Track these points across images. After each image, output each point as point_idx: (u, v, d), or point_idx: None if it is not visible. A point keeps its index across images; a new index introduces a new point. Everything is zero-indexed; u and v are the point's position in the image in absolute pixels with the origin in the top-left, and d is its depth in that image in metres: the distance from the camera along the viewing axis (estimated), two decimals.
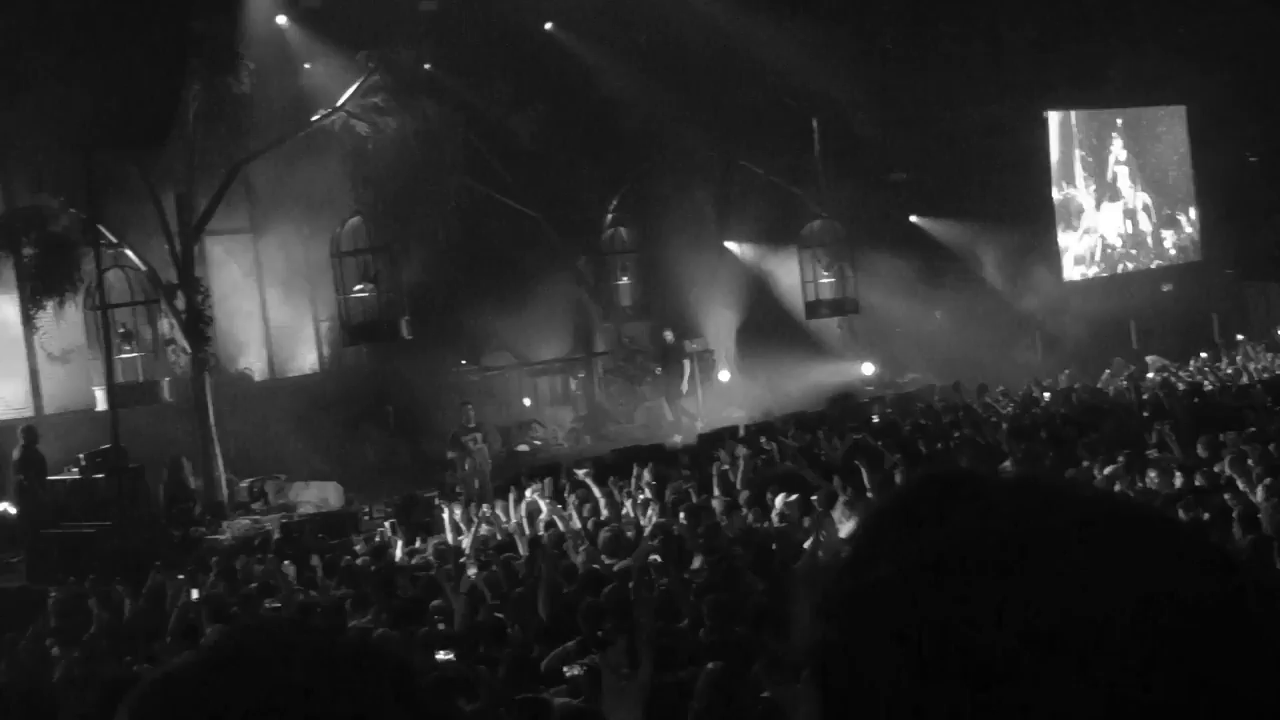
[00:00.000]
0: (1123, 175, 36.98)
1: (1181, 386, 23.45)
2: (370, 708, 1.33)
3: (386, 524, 19.58)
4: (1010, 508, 1.05)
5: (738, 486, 17.90)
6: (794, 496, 16.18)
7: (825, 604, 1.08)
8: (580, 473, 19.56)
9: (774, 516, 15.95)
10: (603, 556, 14.71)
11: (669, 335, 29.08)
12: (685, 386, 28.91)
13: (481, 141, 28.74)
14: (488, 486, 21.43)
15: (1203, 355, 27.28)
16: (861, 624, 1.03)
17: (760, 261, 32.74)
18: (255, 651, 1.35)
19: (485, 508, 18.73)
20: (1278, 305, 36.25)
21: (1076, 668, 0.96)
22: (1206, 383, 24.21)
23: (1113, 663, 0.96)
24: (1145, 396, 22.22)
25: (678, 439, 25.93)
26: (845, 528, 14.38)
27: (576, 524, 16.75)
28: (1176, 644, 0.97)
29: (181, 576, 16.80)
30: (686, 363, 28.90)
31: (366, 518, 21.67)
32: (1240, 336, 31.21)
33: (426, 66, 24.76)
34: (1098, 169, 36.17)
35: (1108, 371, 26.81)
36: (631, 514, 17.04)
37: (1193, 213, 38.31)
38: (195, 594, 15.38)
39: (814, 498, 15.97)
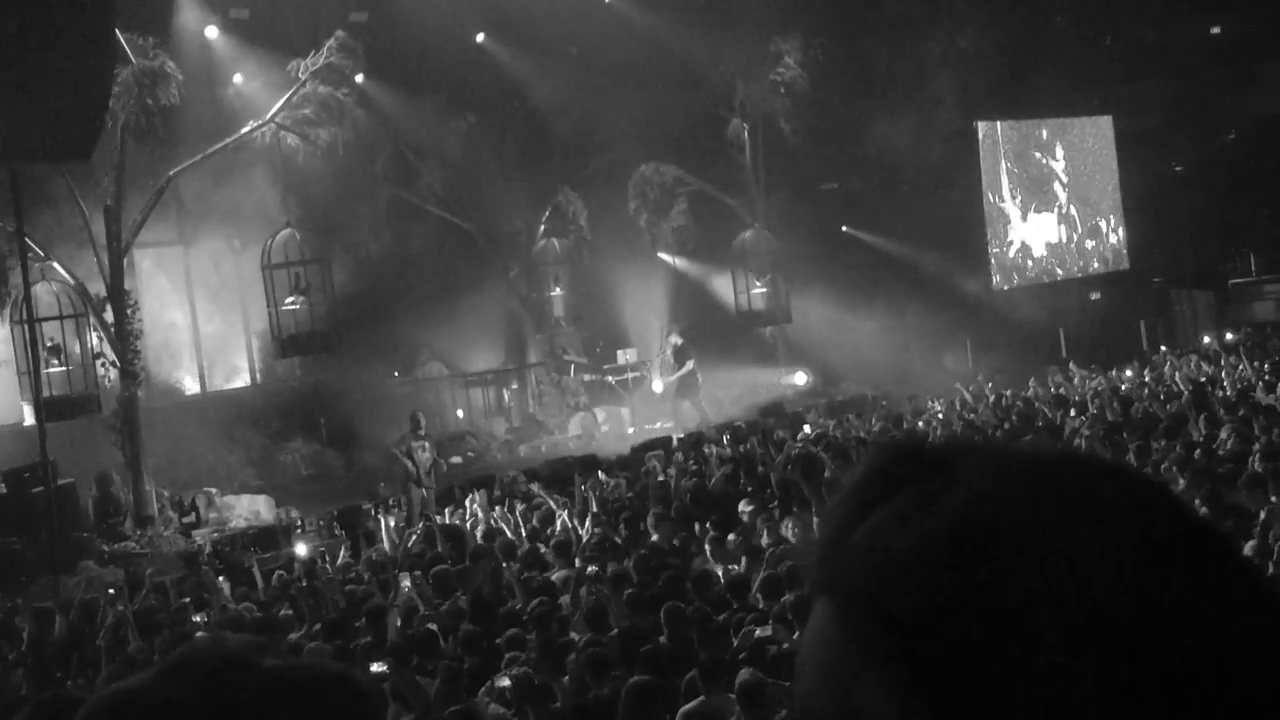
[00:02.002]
0: (1051, 186, 37.32)
1: (1107, 393, 23.69)
2: None
3: (330, 539, 19.49)
4: (996, 474, 1.07)
5: (671, 497, 17.92)
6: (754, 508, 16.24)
7: (824, 577, 1.09)
8: (534, 487, 19.55)
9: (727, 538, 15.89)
10: (539, 566, 14.71)
11: (676, 339, 29.20)
12: (700, 379, 29.08)
13: (412, 153, 28.70)
14: (432, 495, 21.33)
15: (1128, 373, 27.54)
16: (859, 605, 1.04)
17: (693, 272, 32.82)
18: (213, 674, 1.34)
19: (436, 516, 18.68)
20: (1204, 314, 36.70)
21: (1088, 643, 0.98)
22: (1129, 389, 24.45)
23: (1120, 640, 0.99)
24: (1074, 402, 22.43)
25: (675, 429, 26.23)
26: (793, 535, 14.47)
27: (519, 533, 16.76)
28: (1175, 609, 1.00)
29: (112, 591, 16.68)
30: (691, 362, 28.98)
31: (299, 530, 21.55)
32: (1164, 348, 31.53)
33: (358, 78, 24.68)
34: (1024, 179, 36.49)
35: (1032, 379, 27.02)
36: (569, 523, 17.04)
37: (1119, 222, 38.70)
38: (121, 609, 15.26)
39: (750, 509, 16.05)
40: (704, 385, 30.39)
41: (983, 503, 1.04)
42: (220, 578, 16.99)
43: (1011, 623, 0.99)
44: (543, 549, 15.57)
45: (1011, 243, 36.14)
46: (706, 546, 14.86)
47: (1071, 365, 27.89)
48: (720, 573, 13.45)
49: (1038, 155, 36.95)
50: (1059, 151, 37.40)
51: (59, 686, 11.84)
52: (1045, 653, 0.98)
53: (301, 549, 17.15)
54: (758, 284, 30.56)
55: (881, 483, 1.10)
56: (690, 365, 28.82)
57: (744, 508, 16.15)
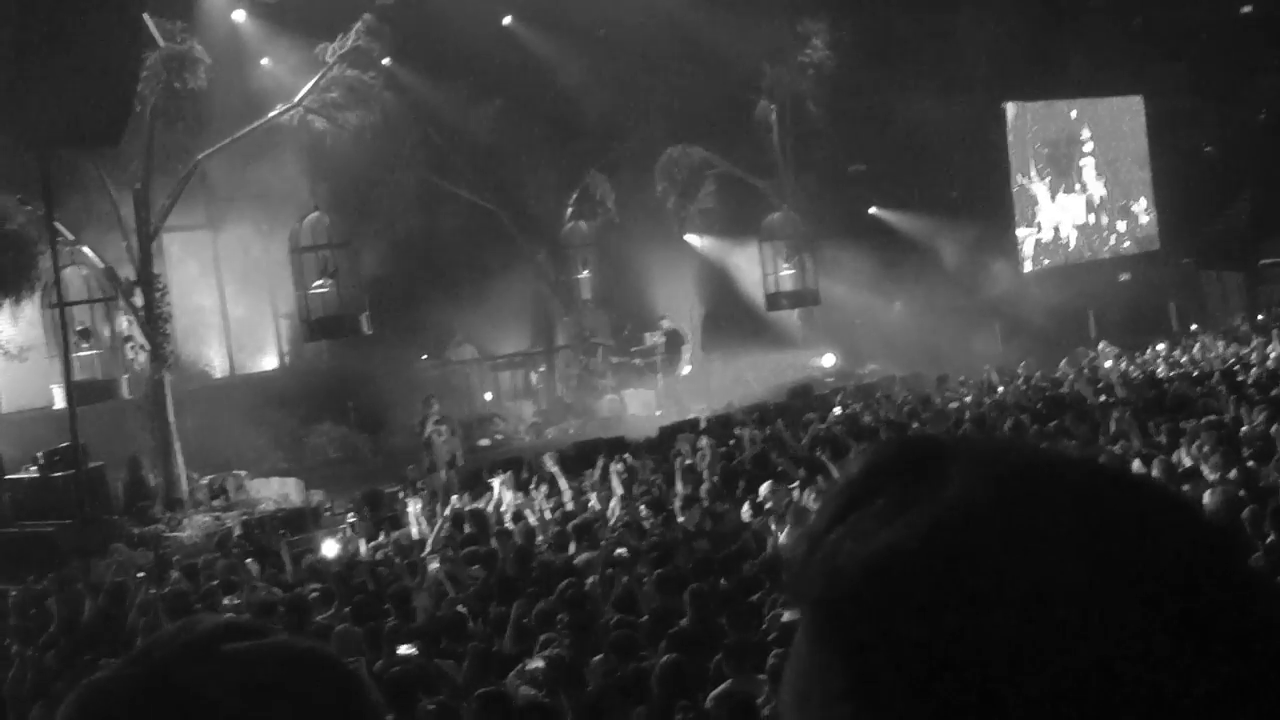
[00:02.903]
0: (1081, 166, 37.16)
1: (1138, 375, 23.60)
2: (316, 712, 1.32)
3: (349, 520, 19.53)
4: (988, 477, 1.02)
5: (705, 477, 17.91)
6: (774, 485, 16.21)
7: (797, 585, 1.05)
8: (549, 464, 19.55)
9: (751, 506, 15.92)
10: (568, 549, 14.73)
11: (666, 323, 29.10)
12: (685, 371, 28.97)
13: (440, 136, 28.70)
14: (454, 480, 21.39)
15: (1160, 347, 27.42)
16: (840, 606, 1.00)
17: (721, 254, 32.77)
18: (168, 666, 1.33)
19: (454, 500, 18.70)
20: (1234, 294, 36.51)
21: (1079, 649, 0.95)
22: (1160, 371, 24.34)
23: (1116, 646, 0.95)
24: (1102, 385, 22.33)
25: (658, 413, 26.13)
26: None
27: (545, 515, 16.76)
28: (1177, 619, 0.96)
29: (142, 574, 16.76)
30: (685, 348, 28.93)
31: (328, 513, 21.61)
32: (1194, 326, 31.40)
33: (385, 61, 24.68)
34: (1054, 160, 36.33)
35: (1065, 361, 26.92)
36: (597, 506, 17.05)
37: (1149, 203, 38.52)
38: (151, 591, 15.33)
39: (793, 485, 16.07)
40: (730, 367, 30.39)
41: (963, 512, 0.99)
42: (249, 560, 17.06)
43: (976, 659, 0.94)
44: (571, 528, 15.58)
45: (1040, 224, 35.99)
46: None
47: (1103, 345, 27.77)
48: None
49: (1067, 136, 36.78)
50: (1088, 132, 37.22)
51: (86, 668, 11.89)
52: (1012, 695, 0.94)
53: (331, 547, 17.16)
54: (786, 266, 30.48)
55: (867, 484, 1.05)
56: (685, 352, 28.68)
57: (764, 491, 16.14)
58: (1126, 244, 38.20)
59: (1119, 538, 0.99)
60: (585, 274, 30.93)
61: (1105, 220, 37.81)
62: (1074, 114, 36.98)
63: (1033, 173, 35.85)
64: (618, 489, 17.24)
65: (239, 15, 25.86)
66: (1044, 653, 0.94)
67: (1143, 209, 38.52)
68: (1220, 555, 1.01)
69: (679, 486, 17.47)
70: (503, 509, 17.38)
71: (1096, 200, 37.55)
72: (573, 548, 14.74)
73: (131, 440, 23.25)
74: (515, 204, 30.26)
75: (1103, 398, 21.03)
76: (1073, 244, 36.85)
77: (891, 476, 1.05)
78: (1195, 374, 22.52)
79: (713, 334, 31.81)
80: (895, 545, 0.99)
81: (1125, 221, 38.20)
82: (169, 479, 22.85)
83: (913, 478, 1.04)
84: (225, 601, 14.69)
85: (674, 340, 28.81)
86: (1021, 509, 1.00)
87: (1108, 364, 25.88)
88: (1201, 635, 0.96)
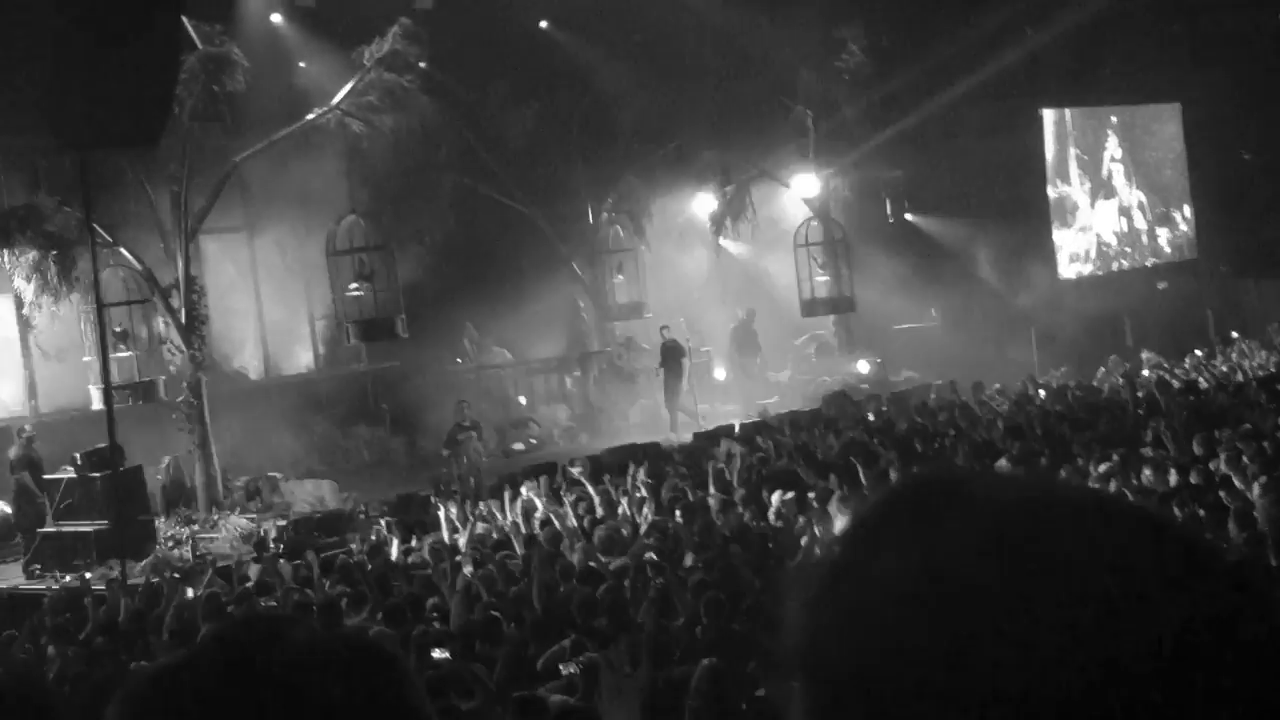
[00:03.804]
0: (1118, 173, 36.99)
1: (1176, 384, 23.48)
2: (359, 703, 1.33)
3: (383, 522, 19.56)
4: (1004, 518, 1.01)
5: (734, 484, 17.89)
6: (790, 494, 16.19)
7: (811, 608, 1.04)
8: (575, 471, 19.55)
9: (770, 515, 15.97)
10: (599, 555, 14.72)
11: (665, 333, 28.86)
12: (686, 385, 28.67)
13: (477, 139, 28.75)
14: (481, 484, 21.43)
15: (1198, 353, 27.28)
16: (848, 633, 1.00)
17: (755, 259, 32.73)
18: (242, 648, 1.35)
19: (481, 505, 18.71)
20: (1272, 303, 36.26)
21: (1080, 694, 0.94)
22: (1201, 380, 24.22)
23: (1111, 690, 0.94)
24: (1140, 394, 22.22)
25: (671, 437, 25.90)
26: (840, 524, 14.39)
27: (573, 522, 16.75)
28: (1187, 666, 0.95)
29: (177, 575, 16.84)
30: (686, 361, 28.74)
31: (362, 516, 21.66)
32: (1235, 334, 31.22)
33: (422, 65, 24.73)
34: (1093, 167, 36.18)
35: (1102, 369, 26.80)
36: (627, 512, 17.04)
37: (1188, 210, 38.32)
38: (190, 593, 15.40)
39: (810, 495, 16.01)
40: (764, 373, 30.35)
41: (935, 572, 0.98)
42: (283, 561, 17.12)
43: None
44: (601, 534, 15.58)
45: (1079, 231, 35.85)
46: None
47: (1146, 354, 27.64)
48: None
49: (1106, 143, 36.63)
50: (1128, 139, 37.05)
51: (122, 668, 11.94)
52: None
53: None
54: (821, 272, 30.42)
55: (865, 543, 1.04)
56: (686, 365, 28.39)
57: (776, 500, 16.13)
58: (1168, 250, 38.02)
59: (1124, 579, 0.97)
60: (619, 278, 30.92)
61: (1143, 228, 37.63)
62: (1114, 120, 36.82)
63: (1073, 179, 35.71)
64: (647, 495, 17.23)
65: (277, 18, 25.95)
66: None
67: (1182, 217, 38.32)
68: (1224, 588, 0.99)
69: (712, 491, 17.48)
70: (535, 515, 17.38)
71: (1133, 208, 37.36)
72: (601, 557, 14.73)
73: (168, 442, 23.35)
74: (550, 208, 30.30)
75: (1140, 410, 20.93)
76: (1111, 251, 36.68)
77: (899, 517, 1.04)
78: (1234, 383, 22.38)
79: (746, 340, 31.75)
80: (857, 608, 0.99)
81: (1164, 228, 38.02)
82: (205, 480, 22.93)
83: (912, 523, 1.03)
84: (262, 604, 14.73)
85: (673, 352, 28.52)
86: (1014, 559, 0.98)
87: (1145, 372, 25.77)
88: (1205, 669, 0.94)
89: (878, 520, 1.05)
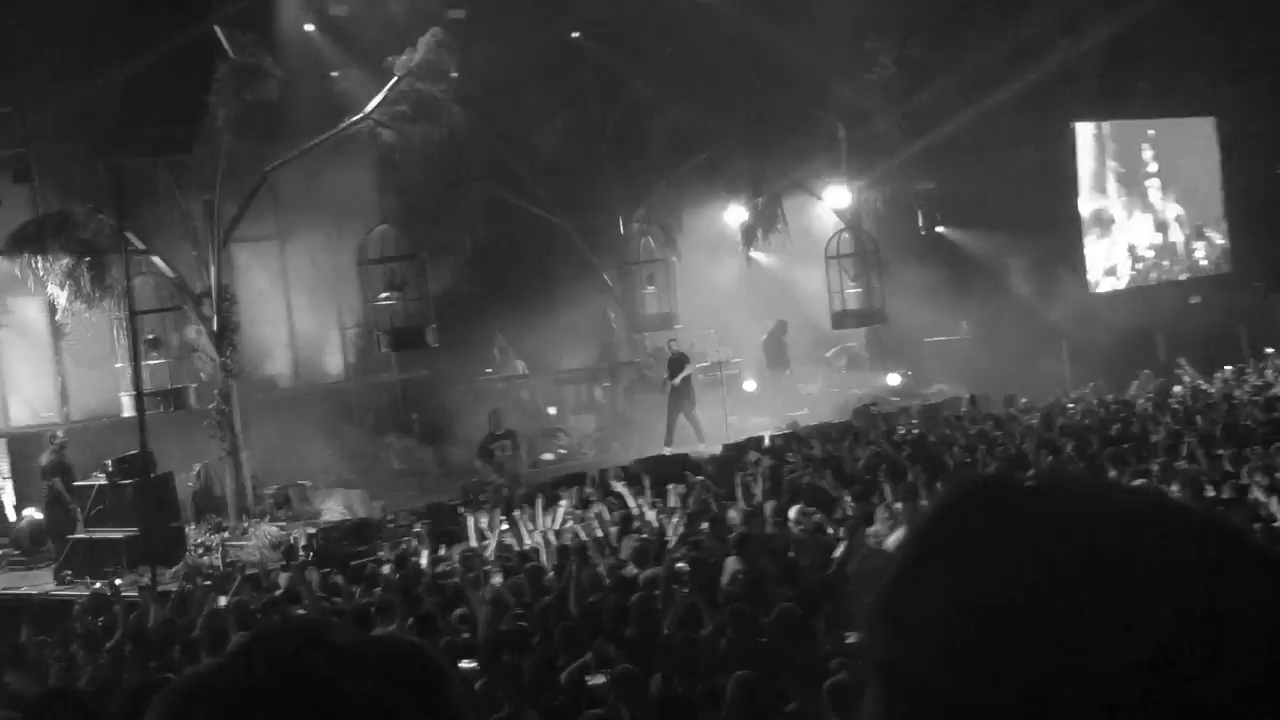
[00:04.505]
0: (1153, 187, 36.85)
1: (1209, 397, 23.38)
2: (403, 706, 1.33)
3: (417, 529, 19.56)
4: (1098, 524, 1.01)
5: (759, 497, 17.85)
6: (808, 508, 16.15)
7: (876, 617, 1.04)
8: (617, 485, 19.49)
9: (792, 527, 15.92)
10: (630, 565, 14.69)
11: (673, 346, 28.52)
12: (692, 400, 28.33)
13: (508, 150, 28.78)
14: (515, 494, 21.40)
15: (1228, 368, 27.12)
16: (916, 641, 1.00)
17: (786, 271, 32.69)
18: (285, 651, 1.34)
19: (516, 513, 18.70)
20: None
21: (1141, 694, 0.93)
22: (1235, 394, 24.10)
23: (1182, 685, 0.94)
24: (1175, 407, 22.11)
25: (701, 448, 25.81)
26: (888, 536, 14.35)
27: (599, 533, 16.72)
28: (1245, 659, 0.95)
29: (208, 583, 16.87)
30: (689, 368, 28.39)
31: (392, 525, 21.68)
32: (1269, 350, 31.03)
33: (454, 74, 24.77)
34: (1130, 179, 36.05)
35: (1135, 383, 26.68)
36: (655, 523, 17.00)
37: (1221, 225, 38.15)
38: (223, 601, 15.41)
39: (847, 506, 15.99)
40: (794, 385, 30.28)
41: (1021, 578, 0.97)
42: (312, 568, 17.15)
43: None
44: (632, 546, 15.55)
45: (1113, 244, 35.71)
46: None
47: (1183, 364, 27.51)
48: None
49: (1142, 156, 36.49)
50: (1163, 153, 36.91)
51: (151, 675, 11.95)
52: None
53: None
54: (852, 284, 30.35)
55: (938, 533, 1.05)
56: (685, 373, 28.14)
57: (793, 514, 16.10)
58: (1204, 262, 37.87)
59: (1222, 590, 0.97)
60: (650, 289, 30.89)
61: (1179, 241, 37.47)
62: (1150, 133, 36.69)
63: (1110, 191, 35.58)
64: (678, 506, 17.21)
65: (310, 27, 26.02)
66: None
67: (1216, 231, 38.16)
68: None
69: (740, 503, 17.45)
70: (566, 525, 17.36)
71: (1170, 221, 37.21)
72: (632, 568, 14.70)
73: (199, 449, 23.43)
74: (581, 218, 30.30)
75: (1172, 425, 20.82)
76: (1144, 265, 36.53)
77: (961, 526, 1.04)
78: (1267, 398, 22.25)
79: (777, 351, 31.71)
80: (944, 616, 0.98)
81: (1198, 243, 37.86)
82: (235, 488, 22.99)
83: (983, 526, 1.02)
84: (291, 612, 14.73)
85: (677, 364, 28.30)
86: (1100, 568, 0.97)
87: (1176, 389, 25.66)
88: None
89: (951, 526, 1.05)
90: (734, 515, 16.55)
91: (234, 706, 1.31)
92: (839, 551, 13.83)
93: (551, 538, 16.65)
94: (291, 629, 1.40)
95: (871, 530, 14.78)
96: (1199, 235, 37.83)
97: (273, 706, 1.30)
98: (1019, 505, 1.03)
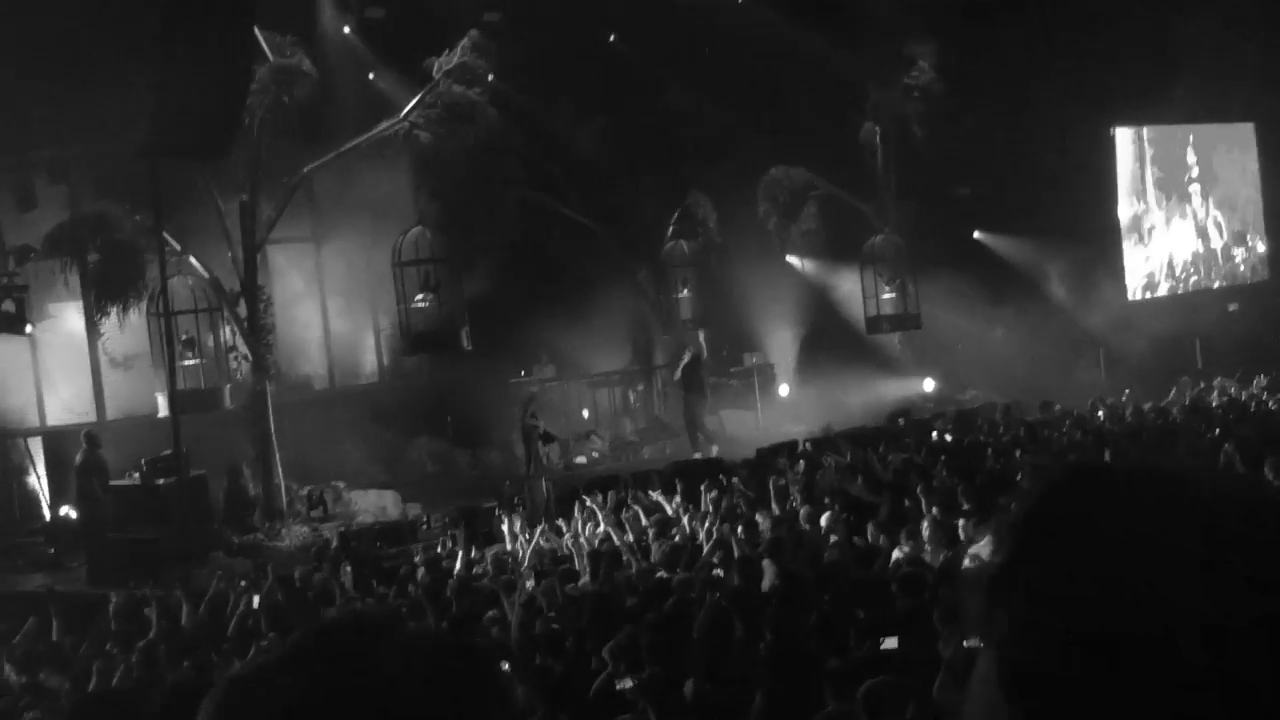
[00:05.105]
0: (1195, 192, 36.67)
1: (1246, 406, 23.21)
2: (459, 700, 1.33)
3: (453, 533, 19.54)
4: (1173, 498, 1.01)
5: (793, 502, 17.79)
6: (840, 514, 16.08)
7: (995, 597, 1.03)
8: (654, 494, 19.44)
9: (822, 533, 15.84)
10: (664, 569, 14.65)
11: (688, 354, 28.28)
12: (702, 397, 28.18)
13: (543, 153, 28.78)
14: (553, 497, 21.30)
15: (1262, 377, 26.91)
16: (1042, 617, 1.00)
17: (822, 276, 32.63)
18: (342, 650, 1.34)
19: (547, 524, 18.67)
20: None
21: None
22: (1272, 404, 23.93)
23: None
24: (1216, 412, 21.96)
25: (697, 456, 25.72)
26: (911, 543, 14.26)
27: (631, 537, 16.69)
28: None
29: (244, 583, 16.88)
30: (686, 355, 28.20)
31: (424, 527, 21.69)
32: None
33: (490, 77, 24.78)
34: (1170, 185, 35.86)
35: (1174, 390, 26.52)
36: (687, 528, 16.95)
37: (1261, 232, 37.94)
38: (256, 601, 15.42)
39: (881, 514, 15.91)
40: (828, 389, 30.17)
41: (1162, 591, 0.96)
42: (346, 567, 17.16)
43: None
44: (654, 553, 15.51)
45: (1151, 252, 35.53)
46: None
47: (1218, 380, 27.35)
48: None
49: (1185, 160, 36.32)
50: (1203, 158, 36.72)
51: (187, 674, 11.95)
52: None
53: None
54: (887, 289, 30.28)
55: (1045, 525, 1.04)
56: (684, 362, 27.82)
57: (823, 521, 16.03)
58: (1243, 268, 37.65)
59: None
60: (685, 294, 30.86)
61: (1220, 248, 37.27)
62: (1192, 138, 36.52)
63: (1150, 197, 35.41)
64: (712, 510, 17.15)
65: (347, 30, 26.07)
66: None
67: (1257, 237, 37.94)
68: None
69: (773, 508, 17.39)
70: (598, 529, 17.33)
71: (1210, 228, 37.02)
72: (664, 572, 14.65)
73: (233, 449, 23.48)
74: (617, 222, 30.30)
75: (1212, 432, 20.67)
76: (1183, 272, 36.34)
77: (1073, 510, 1.03)
78: None
79: (812, 356, 31.63)
80: (1086, 606, 0.97)
81: (1239, 248, 37.65)
82: (269, 489, 23.05)
83: (1088, 509, 1.02)
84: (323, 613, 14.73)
85: (676, 357, 28.21)
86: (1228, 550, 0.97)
87: (1213, 397, 25.49)
88: None
89: (1063, 507, 1.05)
90: (762, 520, 16.47)
91: (293, 704, 1.30)
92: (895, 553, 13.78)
93: (584, 541, 16.62)
94: (349, 625, 1.40)
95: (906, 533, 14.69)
96: (1239, 241, 37.62)
97: (331, 704, 1.29)
98: (1123, 485, 1.04)
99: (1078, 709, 0.95)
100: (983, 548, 11.70)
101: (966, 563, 12.73)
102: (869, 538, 15.05)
